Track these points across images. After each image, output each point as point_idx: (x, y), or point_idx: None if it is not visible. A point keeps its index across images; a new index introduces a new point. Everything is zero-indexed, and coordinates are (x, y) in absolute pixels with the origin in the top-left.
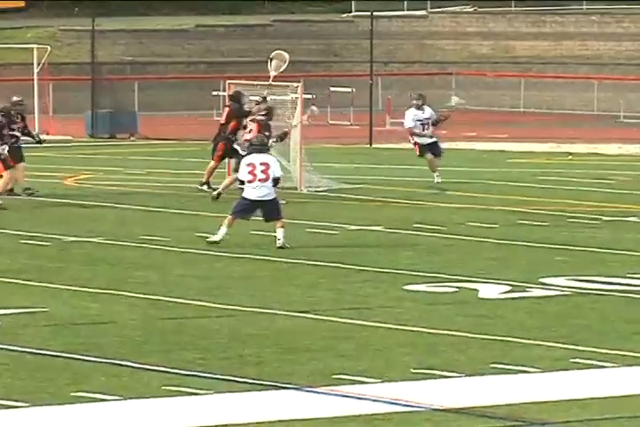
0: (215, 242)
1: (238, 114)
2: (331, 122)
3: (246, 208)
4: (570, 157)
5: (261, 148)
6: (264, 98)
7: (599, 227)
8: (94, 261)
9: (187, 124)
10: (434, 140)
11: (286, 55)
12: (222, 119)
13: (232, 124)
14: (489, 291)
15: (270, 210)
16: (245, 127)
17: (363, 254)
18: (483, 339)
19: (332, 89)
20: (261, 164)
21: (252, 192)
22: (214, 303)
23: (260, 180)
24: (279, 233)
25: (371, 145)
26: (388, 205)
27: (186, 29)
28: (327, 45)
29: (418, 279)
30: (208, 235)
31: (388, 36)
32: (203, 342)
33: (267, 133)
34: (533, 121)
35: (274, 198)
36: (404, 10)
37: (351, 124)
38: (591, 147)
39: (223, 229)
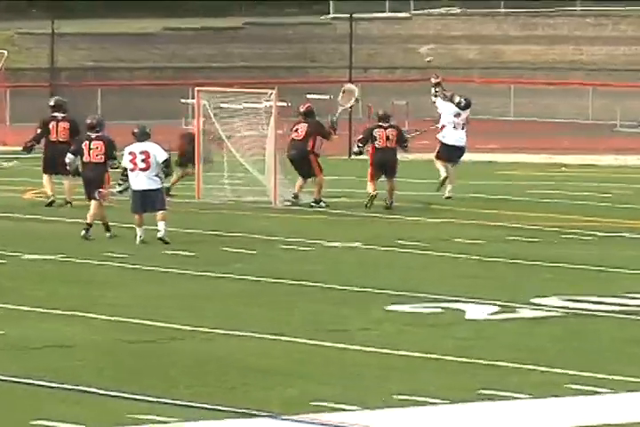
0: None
1: (316, 129)
2: None
3: (135, 201)
4: (563, 168)
5: (142, 137)
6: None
7: (594, 243)
8: (54, 280)
9: (152, 134)
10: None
11: (356, 89)
12: (300, 135)
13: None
14: (476, 312)
15: (153, 201)
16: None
17: (340, 273)
18: (470, 363)
19: (308, 96)
20: (141, 152)
21: (135, 182)
22: (182, 325)
23: (140, 169)
24: (160, 226)
25: (350, 156)
26: (368, 220)
27: (152, 33)
28: (303, 50)
29: (400, 299)
30: (176, 252)
31: (369, 40)
32: (170, 367)
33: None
34: (524, 130)
35: (158, 188)
36: (385, 11)
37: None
38: (586, 158)
39: (137, 231)
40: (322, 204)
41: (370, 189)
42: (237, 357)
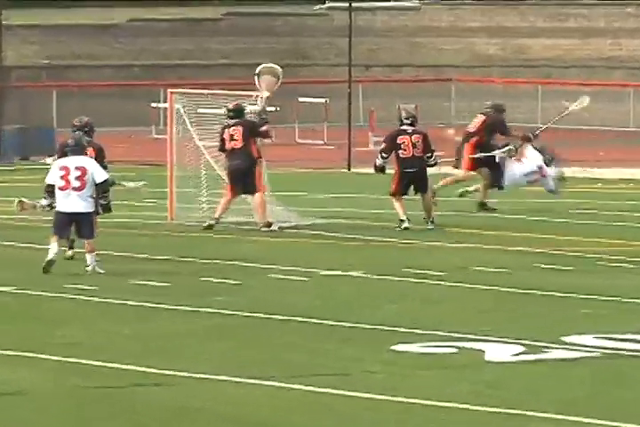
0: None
1: (251, 130)
2: (299, 141)
3: (61, 224)
4: (599, 184)
5: (75, 148)
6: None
7: (636, 272)
8: (3, 317)
9: (116, 145)
10: None
11: (278, 68)
12: (238, 142)
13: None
14: (498, 352)
15: (81, 226)
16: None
17: (340, 307)
18: (491, 412)
19: (300, 99)
20: (77, 168)
21: (63, 203)
22: (153, 368)
23: (73, 188)
24: (88, 259)
25: (349, 170)
26: (371, 245)
27: (116, 24)
28: (294, 45)
29: (409, 338)
30: (148, 282)
31: (372, 33)
32: (139, 418)
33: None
34: (553, 139)
35: (90, 213)
36: (390, 0)
37: (325, 144)
38: (625, 172)
39: (52, 247)
40: (274, 227)
41: (398, 209)
42: (219, 406)
